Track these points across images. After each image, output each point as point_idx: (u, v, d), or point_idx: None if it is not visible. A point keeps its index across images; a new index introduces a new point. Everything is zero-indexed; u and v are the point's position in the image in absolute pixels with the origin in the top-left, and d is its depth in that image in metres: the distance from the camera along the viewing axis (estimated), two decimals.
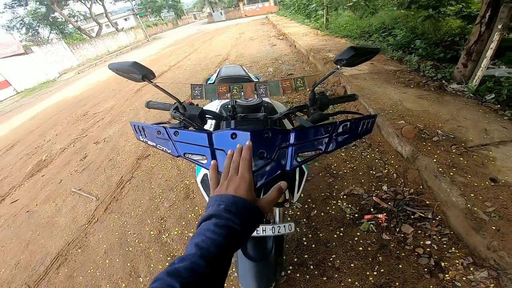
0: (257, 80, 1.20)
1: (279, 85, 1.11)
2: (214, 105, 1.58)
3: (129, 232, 2.31)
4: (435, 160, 1.99)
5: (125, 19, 46.19)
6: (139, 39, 20.72)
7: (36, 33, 20.98)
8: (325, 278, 1.63)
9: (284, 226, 1.09)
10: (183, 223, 2.26)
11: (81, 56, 15.60)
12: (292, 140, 0.80)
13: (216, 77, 1.20)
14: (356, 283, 1.57)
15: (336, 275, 1.63)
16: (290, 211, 2.11)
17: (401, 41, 4.90)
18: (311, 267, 1.71)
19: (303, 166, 1.29)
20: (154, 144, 0.91)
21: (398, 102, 2.85)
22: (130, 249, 2.15)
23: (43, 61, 12.56)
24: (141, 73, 0.92)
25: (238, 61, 6.91)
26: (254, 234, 1.09)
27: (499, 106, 2.55)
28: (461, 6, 4.67)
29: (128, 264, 2.04)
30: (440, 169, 1.91)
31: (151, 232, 2.25)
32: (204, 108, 1.17)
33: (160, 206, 2.51)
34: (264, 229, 1.08)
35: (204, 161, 0.82)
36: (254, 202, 0.53)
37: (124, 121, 4.71)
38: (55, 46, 13.65)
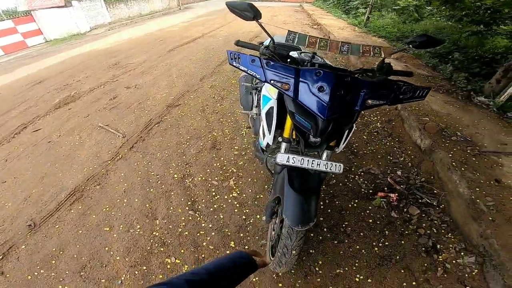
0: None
1: (360, 49, 1.43)
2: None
3: (152, 173, 2.42)
4: (450, 155, 2.15)
5: None
6: (172, 6, 20.66)
7: None
8: (336, 242, 1.78)
9: (335, 165, 1.21)
10: (208, 170, 2.41)
11: (114, 15, 15.88)
12: (366, 88, 0.99)
13: (270, 43, 1.39)
14: (363, 251, 1.73)
15: (346, 241, 1.79)
16: None
17: (439, 50, 4.90)
18: (325, 229, 1.86)
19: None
20: (246, 69, 1.09)
21: (425, 103, 2.95)
22: (151, 190, 2.23)
23: (78, 15, 12.93)
24: (253, 13, 1.13)
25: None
26: (306, 166, 1.19)
27: None
28: None
29: (147, 205, 2.09)
30: (453, 164, 2.07)
31: (175, 176, 2.37)
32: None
33: (186, 152, 2.68)
34: (318, 163, 1.19)
35: (286, 88, 1.02)
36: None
37: (156, 74, 4.86)
38: (93, 2, 13.93)
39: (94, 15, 13.96)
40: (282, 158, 1.20)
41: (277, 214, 1.56)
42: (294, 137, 1.34)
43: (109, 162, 2.63)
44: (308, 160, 1.20)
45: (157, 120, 3.27)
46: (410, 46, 1.13)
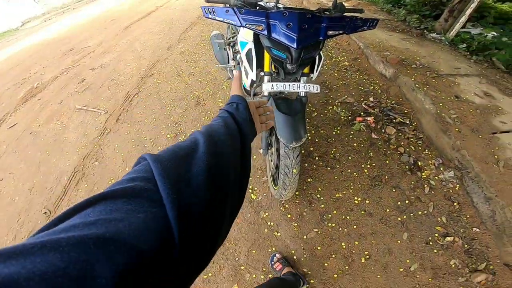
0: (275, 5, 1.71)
1: None
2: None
3: (145, 138, 2.49)
4: (412, 79, 2.44)
5: None
6: None
7: None
8: (329, 168, 1.97)
9: (313, 86, 1.40)
10: (198, 125, 2.51)
11: (46, 5, 14.20)
12: (325, 21, 1.19)
13: None
14: (355, 174, 1.92)
15: (337, 166, 1.99)
16: None
17: None
18: (316, 158, 2.05)
19: (321, 53, 1.64)
20: (222, 19, 1.24)
21: (384, 40, 3.23)
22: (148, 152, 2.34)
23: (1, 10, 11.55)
24: None
25: None
26: (288, 89, 1.36)
27: (468, 53, 3.02)
28: None
29: None
30: (416, 85, 2.36)
31: (168, 135, 2.46)
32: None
33: (172, 113, 2.73)
34: (298, 86, 1.37)
35: (260, 28, 1.19)
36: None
37: (119, 51, 4.61)
38: None
39: (20, 8, 12.51)
40: (267, 86, 1.36)
41: (271, 145, 1.75)
42: (274, 69, 1.51)
43: (99, 138, 2.63)
44: (289, 85, 1.37)
45: (135, 92, 3.22)
46: None
